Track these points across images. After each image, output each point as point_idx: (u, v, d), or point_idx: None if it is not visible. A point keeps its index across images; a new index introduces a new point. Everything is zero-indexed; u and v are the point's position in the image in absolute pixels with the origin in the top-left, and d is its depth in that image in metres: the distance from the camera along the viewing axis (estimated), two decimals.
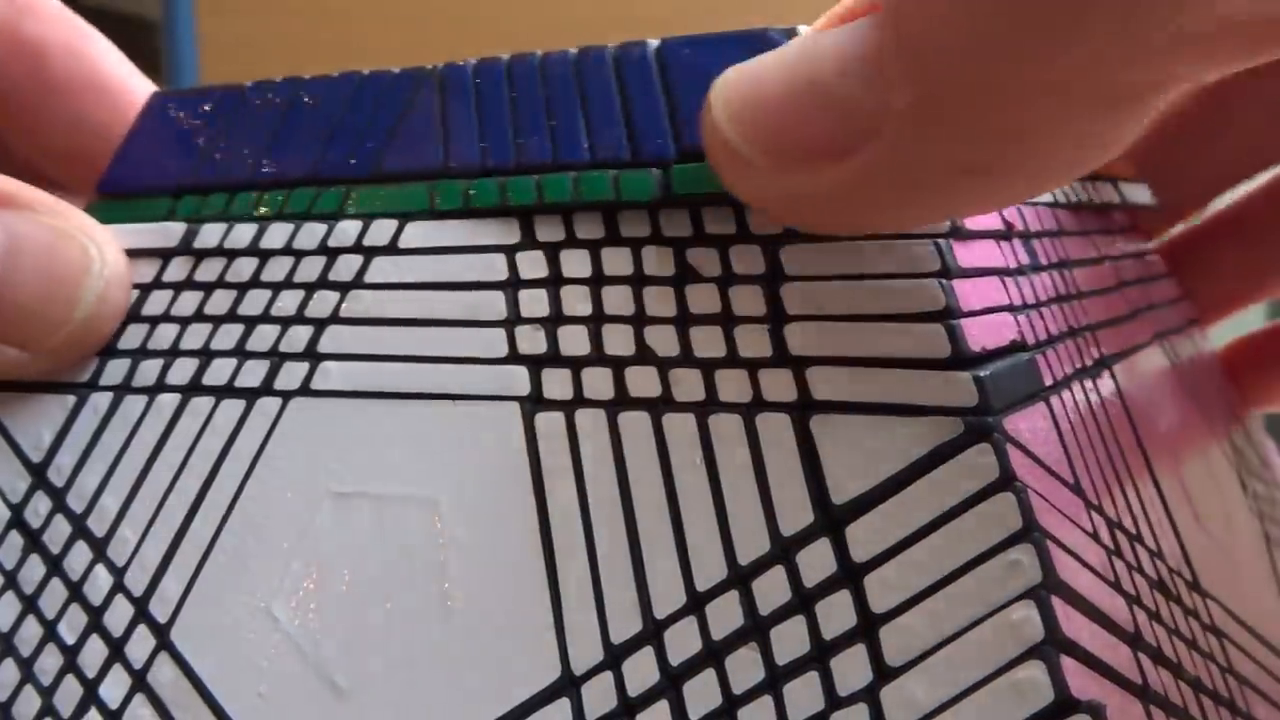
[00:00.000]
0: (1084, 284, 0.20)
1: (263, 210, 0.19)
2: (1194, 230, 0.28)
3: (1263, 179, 0.27)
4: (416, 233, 0.18)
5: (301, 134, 0.19)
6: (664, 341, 0.16)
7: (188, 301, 0.19)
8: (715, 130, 0.15)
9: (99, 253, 0.19)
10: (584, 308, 0.16)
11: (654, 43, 0.17)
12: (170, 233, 0.19)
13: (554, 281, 0.17)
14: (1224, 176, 0.27)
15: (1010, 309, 0.16)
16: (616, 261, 0.16)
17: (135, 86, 0.24)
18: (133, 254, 0.19)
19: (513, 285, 0.17)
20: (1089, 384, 0.18)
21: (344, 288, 0.18)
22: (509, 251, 0.17)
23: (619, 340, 0.16)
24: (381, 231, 0.18)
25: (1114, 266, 0.22)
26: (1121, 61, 0.12)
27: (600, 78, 0.17)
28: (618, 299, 0.16)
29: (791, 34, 0.16)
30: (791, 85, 0.14)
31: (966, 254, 0.16)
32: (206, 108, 0.20)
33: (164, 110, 0.20)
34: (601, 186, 0.16)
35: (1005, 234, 0.18)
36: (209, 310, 0.19)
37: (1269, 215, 0.27)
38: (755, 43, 0.16)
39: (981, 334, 0.15)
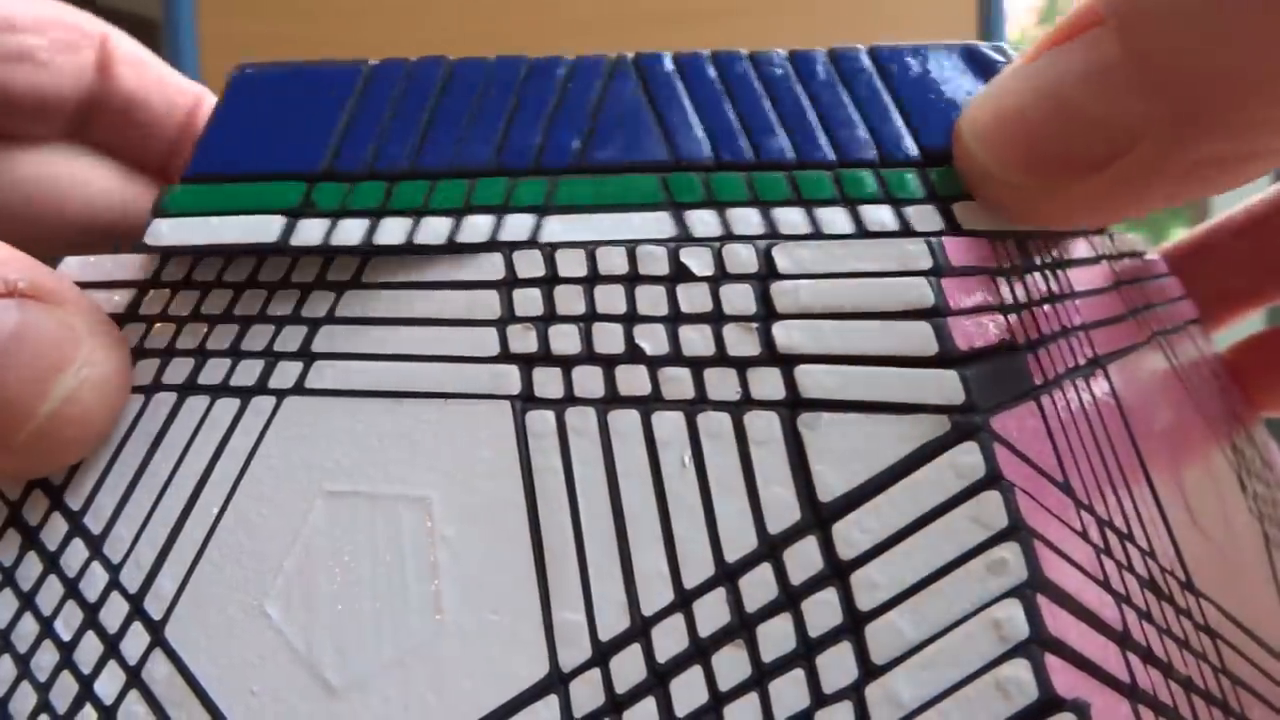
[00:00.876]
0: (1079, 283, 0.20)
1: (435, 202, 0.17)
2: (1203, 232, 0.28)
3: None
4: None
5: (467, 121, 0.18)
6: (654, 340, 0.16)
7: (182, 302, 0.19)
8: (971, 159, 0.16)
9: (87, 354, 0.17)
10: (577, 306, 0.16)
11: (863, 48, 0.18)
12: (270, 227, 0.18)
13: (549, 281, 0.17)
14: None
15: (1001, 308, 0.16)
16: (611, 260, 0.17)
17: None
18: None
19: (508, 285, 0.17)
20: (1081, 383, 0.18)
21: (340, 287, 0.18)
22: (506, 250, 0.17)
23: (609, 339, 0.16)
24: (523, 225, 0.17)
25: (1110, 266, 0.22)
26: None
27: (823, 80, 0.18)
28: (610, 298, 0.16)
29: (998, 50, 0.17)
30: (1042, 110, 0.15)
31: (959, 252, 0.16)
32: (329, 87, 0.18)
33: (266, 88, 0.18)
34: (866, 185, 0.17)
35: (999, 232, 0.18)
36: (205, 310, 0.19)
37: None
38: (965, 54, 0.18)
39: (970, 332, 0.15)
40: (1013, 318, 0.16)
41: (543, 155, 0.17)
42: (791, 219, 0.17)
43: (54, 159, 0.26)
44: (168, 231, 0.18)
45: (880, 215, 0.17)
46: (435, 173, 0.18)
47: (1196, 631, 0.17)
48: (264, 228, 0.18)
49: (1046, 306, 0.18)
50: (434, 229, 0.17)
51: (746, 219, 0.17)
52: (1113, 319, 0.20)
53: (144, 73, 0.26)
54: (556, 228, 0.17)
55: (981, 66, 0.17)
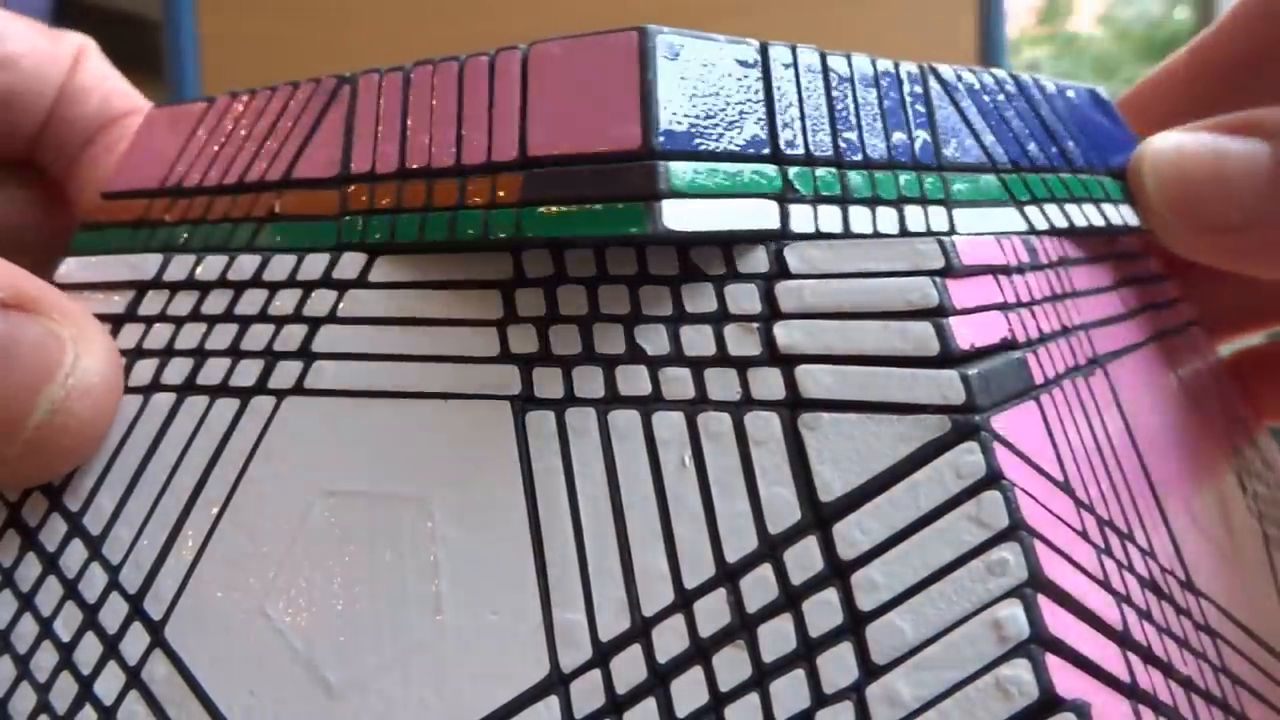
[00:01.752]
0: (1080, 283, 0.20)
1: (881, 192, 0.17)
2: None
3: None
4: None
5: (853, 114, 0.18)
6: (654, 340, 0.16)
7: (182, 302, 0.19)
8: (1145, 194, 0.21)
9: (73, 361, 0.17)
10: (580, 307, 0.16)
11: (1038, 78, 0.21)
12: None
13: (554, 280, 0.17)
14: None
15: (1003, 307, 0.16)
16: (620, 261, 0.17)
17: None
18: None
19: (511, 284, 0.17)
20: (1082, 383, 0.18)
21: (342, 286, 0.18)
22: (515, 249, 0.17)
23: (610, 339, 0.16)
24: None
25: (1112, 266, 0.22)
26: None
27: (1039, 100, 0.21)
28: (613, 298, 0.16)
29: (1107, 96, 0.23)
30: (1206, 175, 0.20)
31: (969, 251, 0.16)
32: (738, 64, 0.17)
33: (690, 58, 0.16)
34: (1095, 189, 0.21)
35: (1007, 231, 0.18)
36: (205, 310, 0.19)
37: None
38: (1093, 95, 0.23)
39: (972, 332, 0.15)
40: (1014, 316, 0.16)
41: (916, 153, 0.18)
42: (1077, 216, 0.20)
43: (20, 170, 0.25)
44: (677, 216, 0.16)
45: (1121, 213, 0.21)
46: (858, 164, 0.17)
47: (1196, 631, 0.17)
48: (765, 214, 0.16)
49: (1048, 305, 0.18)
50: (888, 219, 0.17)
51: (1052, 214, 0.19)
52: (1112, 319, 0.20)
53: (103, 81, 0.25)
54: (972, 220, 0.18)
55: (1103, 106, 0.23)
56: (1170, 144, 0.21)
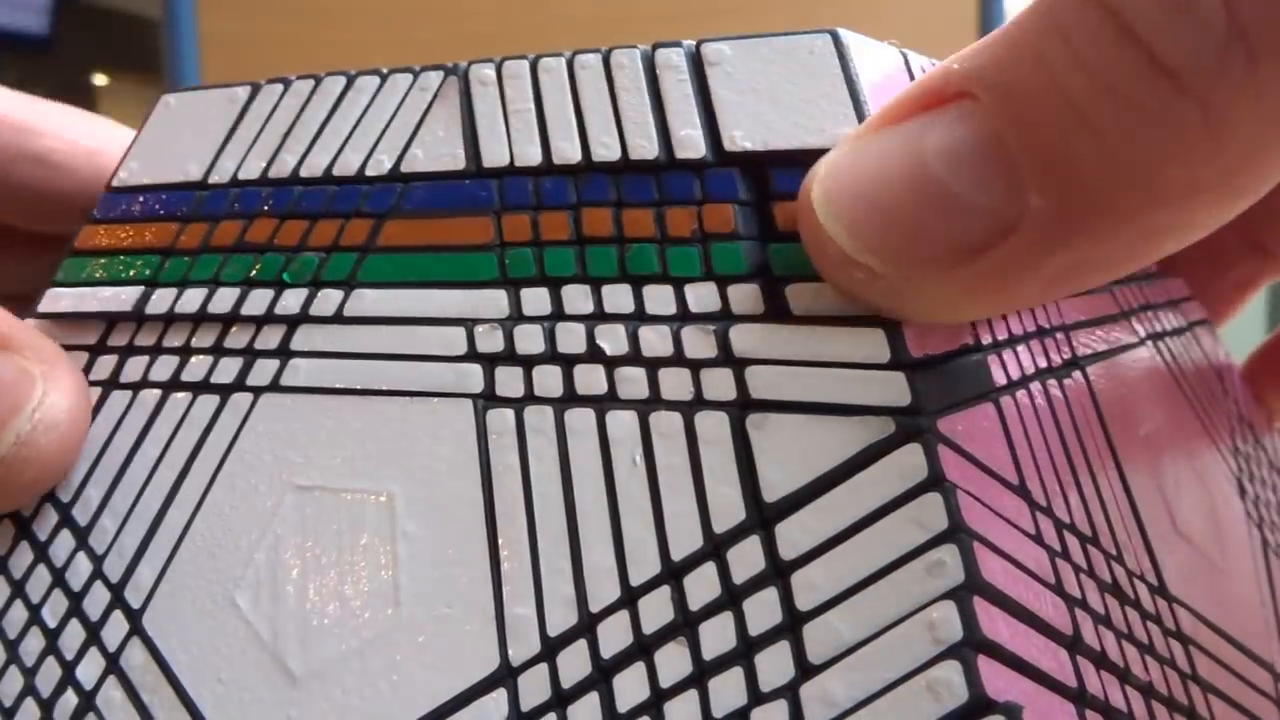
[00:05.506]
0: None
1: None
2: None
3: None
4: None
5: None
6: (614, 340, 0.16)
7: (191, 299, 0.19)
8: (828, 243, 0.14)
9: (40, 397, 0.18)
10: (543, 307, 0.17)
11: None
12: None
13: (520, 281, 0.17)
14: None
15: None
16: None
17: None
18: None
19: (479, 285, 0.17)
20: (1053, 384, 0.18)
21: (316, 287, 0.18)
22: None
23: (571, 339, 0.16)
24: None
25: None
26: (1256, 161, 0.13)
27: None
28: (577, 297, 0.17)
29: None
30: (913, 194, 0.14)
31: None
32: None
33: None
34: None
35: None
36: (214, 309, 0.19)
37: None
38: None
39: (924, 338, 0.15)
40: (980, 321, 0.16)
41: None
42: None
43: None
44: None
45: None
46: None
47: (1165, 637, 0.17)
48: None
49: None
50: None
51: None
52: (1099, 319, 0.20)
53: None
54: None
55: None
56: (846, 161, 0.14)
